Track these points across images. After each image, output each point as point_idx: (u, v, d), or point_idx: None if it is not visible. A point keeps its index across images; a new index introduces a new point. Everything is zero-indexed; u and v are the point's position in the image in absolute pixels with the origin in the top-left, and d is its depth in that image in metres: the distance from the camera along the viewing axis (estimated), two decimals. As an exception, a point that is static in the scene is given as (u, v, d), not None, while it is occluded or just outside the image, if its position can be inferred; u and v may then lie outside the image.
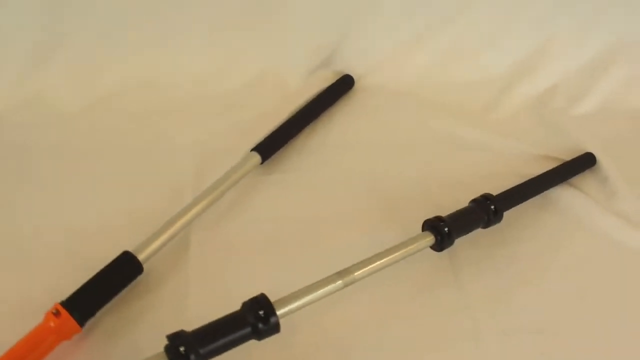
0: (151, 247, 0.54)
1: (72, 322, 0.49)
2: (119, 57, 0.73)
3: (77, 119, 0.71)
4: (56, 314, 0.49)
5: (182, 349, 0.41)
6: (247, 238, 0.59)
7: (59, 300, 0.49)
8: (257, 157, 0.64)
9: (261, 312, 0.44)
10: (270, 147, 0.65)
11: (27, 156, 0.65)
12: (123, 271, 0.53)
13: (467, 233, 0.56)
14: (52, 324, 0.48)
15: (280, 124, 0.68)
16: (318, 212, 0.61)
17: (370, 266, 0.50)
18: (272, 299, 0.45)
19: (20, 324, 0.48)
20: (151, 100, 0.73)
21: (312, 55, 0.75)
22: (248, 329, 0.43)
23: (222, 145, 0.67)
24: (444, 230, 0.53)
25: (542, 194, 0.63)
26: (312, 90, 0.74)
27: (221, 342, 0.43)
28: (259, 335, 0.44)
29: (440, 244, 0.54)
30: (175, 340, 0.42)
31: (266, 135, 0.66)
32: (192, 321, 0.50)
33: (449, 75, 0.75)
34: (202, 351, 0.42)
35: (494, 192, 0.58)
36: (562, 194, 0.64)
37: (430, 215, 0.56)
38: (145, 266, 0.54)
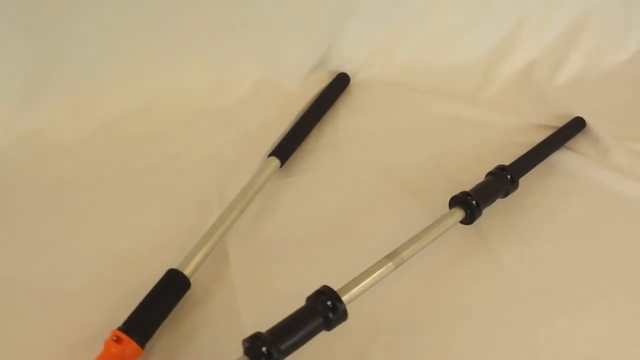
0: (194, 261, 0.55)
1: (133, 346, 0.48)
2: (114, 84, 0.73)
3: (81, 148, 0.70)
4: (117, 340, 0.49)
5: (264, 349, 0.42)
6: (282, 239, 0.60)
7: (113, 328, 0.49)
8: (276, 162, 0.65)
9: (328, 303, 0.45)
10: (287, 150, 0.67)
11: (42, 191, 0.64)
12: (172, 288, 0.53)
13: (491, 203, 0.59)
14: (114, 351, 0.48)
15: (290, 127, 0.70)
16: (344, 205, 0.63)
17: (414, 245, 0.52)
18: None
19: (80, 356, 0.48)
20: (153, 122, 0.73)
21: (305, 59, 0.77)
22: (320, 320, 0.45)
23: (235, 156, 0.69)
24: (472, 204, 0.56)
25: (544, 160, 0.67)
26: (310, 92, 0.76)
27: (298, 336, 0.44)
28: (329, 325, 0.46)
29: (471, 217, 0.57)
30: (255, 341, 0.43)
31: (279, 140, 0.68)
32: (247, 328, 0.52)
33: (436, 62, 0.79)
34: (282, 347, 0.43)
35: (501, 163, 0.63)
36: (561, 158, 0.69)
37: (450, 192, 0.59)
38: (191, 280, 0.54)
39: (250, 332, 0.51)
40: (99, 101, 0.72)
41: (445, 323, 0.53)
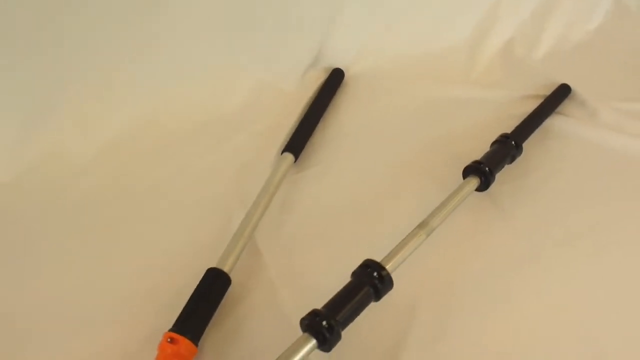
0: (231, 258, 0.56)
1: (188, 344, 0.49)
2: (115, 101, 0.73)
3: (93, 168, 0.69)
4: (171, 341, 0.49)
5: (324, 323, 0.44)
6: (310, 229, 0.62)
7: (161, 334, 0.50)
8: (290, 157, 0.67)
9: (374, 273, 0.48)
10: (299, 145, 0.69)
11: (63, 215, 0.64)
12: (215, 286, 0.54)
13: (501, 169, 0.63)
14: (169, 352, 0.49)
15: (297, 124, 0.73)
16: (362, 190, 0.66)
17: (440, 214, 0.55)
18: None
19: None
20: (159, 135, 0.73)
21: (300, 59, 0.80)
22: (369, 290, 0.47)
23: (248, 157, 0.70)
24: (485, 170, 0.60)
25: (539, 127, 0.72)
26: (308, 90, 0.79)
27: (352, 308, 0.46)
28: (378, 294, 0.48)
29: (485, 183, 0.60)
30: (314, 317, 0.44)
31: (288, 137, 0.70)
32: (291, 317, 0.53)
33: (424, 50, 0.83)
34: (340, 320, 0.45)
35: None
36: (554, 122, 0.73)
37: (459, 167, 0.63)
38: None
39: (295, 321, 0.52)
40: (103, 119, 0.72)
41: (478, 284, 0.55)
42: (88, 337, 0.53)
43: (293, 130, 0.72)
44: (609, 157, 0.69)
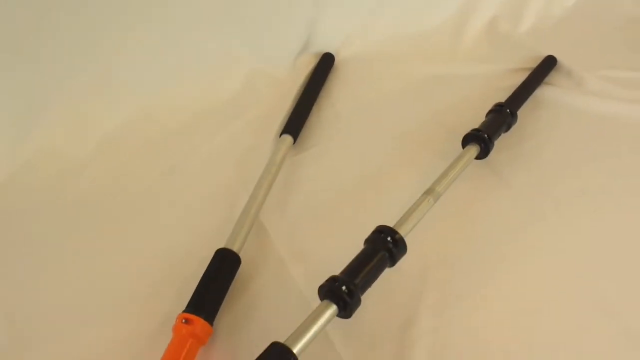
0: (239, 238, 0.56)
1: (203, 324, 0.49)
2: (109, 95, 0.72)
3: (91, 164, 0.69)
4: (186, 322, 0.49)
5: (343, 287, 0.44)
6: (315, 206, 0.62)
7: (174, 317, 0.49)
8: (289, 139, 0.67)
9: (388, 238, 0.48)
10: (297, 127, 0.69)
11: (64, 211, 0.64)
12: (226, 265, 0.54)
13: (498, 137, 0.64)
14: (184, 332, 0.48)
15: (292, 108, 0.73)
16: (362, 167, 0.66)
17: (445, 180, 0.56)
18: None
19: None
20: (157, 129, 0.73)
21: (290, 45, 0.80)
22: (385, 255, 0.47)
23: (247, 142, 0.70)
24: (485, 137, 0.61)
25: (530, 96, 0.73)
26: (300, 75, 0.79)
27: (369, 273, 0.46)
28: (393, 258, 0.48)
29: (485, 150, 0.61)
30: (333, 283, 0.44)
31: (285, 121, 0.70)
32: (304, 292, 0.54)
33: (412, 31, 0.84)
34: (359, 284, 0.45)
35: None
36: (543, 93, 0.75)
37: (454, 139, 0.64)
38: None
39: (308, 295, 0.53)
40: (99, 115, 0.72)
41: (484, 249, 0.56)
42: (97, 330, 0.53)
43: (288, 115, 0.72)
44: (598, 121, 0.71)
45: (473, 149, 0.61)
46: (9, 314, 0.55)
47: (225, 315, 0.53)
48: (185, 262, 0.57)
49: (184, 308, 0.50)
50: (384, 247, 0.47)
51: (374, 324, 0.51)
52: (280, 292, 0.54)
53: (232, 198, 0.63)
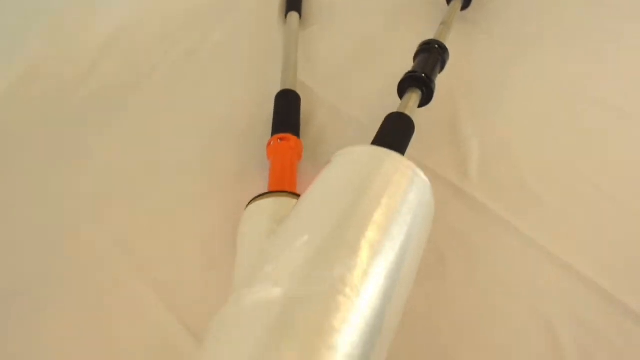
0: (290, 77, 0.61)
1: (296, 139, 0.54)
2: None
3: (99, 61, 0.68)
4: (282, 140, 0.53)
5: (423, 75, 0.52)
6: (343, 64, 0.68)
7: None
8: (296, 15, 0.73)
9: (437, 45, 0.57)
10: (298, 4, 0.75)
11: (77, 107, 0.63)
12: (292, 98, 0.59)
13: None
14: (283, 146, 0.52)
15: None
16: (370, 30, 0.73)
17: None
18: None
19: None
20: (165, 21, 0.75)
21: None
22: (439, 58, 0.56)
23: (255, 24, 0.75)
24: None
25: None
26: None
27: (435, 68, 0.54)
28: (443, 64, 0.57)
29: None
30: (413, 74, 0.52)
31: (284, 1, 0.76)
32: (365, 124, 0.59)
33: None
34: (432, 77, 0.53)
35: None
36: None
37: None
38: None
39: (367, 121, 0.58)
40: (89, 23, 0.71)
41: (491, 79, 0.66)
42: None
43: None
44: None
45: (457, 3, 0.72)
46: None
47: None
48: (229, 149, 0.58)
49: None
50: (437, 51, 0.56)
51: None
52: (346, 127, 0.60)
53: (259, 70, 0.67)
